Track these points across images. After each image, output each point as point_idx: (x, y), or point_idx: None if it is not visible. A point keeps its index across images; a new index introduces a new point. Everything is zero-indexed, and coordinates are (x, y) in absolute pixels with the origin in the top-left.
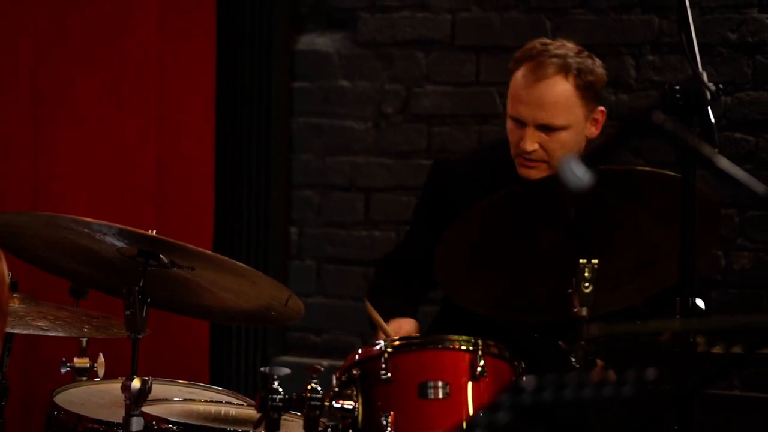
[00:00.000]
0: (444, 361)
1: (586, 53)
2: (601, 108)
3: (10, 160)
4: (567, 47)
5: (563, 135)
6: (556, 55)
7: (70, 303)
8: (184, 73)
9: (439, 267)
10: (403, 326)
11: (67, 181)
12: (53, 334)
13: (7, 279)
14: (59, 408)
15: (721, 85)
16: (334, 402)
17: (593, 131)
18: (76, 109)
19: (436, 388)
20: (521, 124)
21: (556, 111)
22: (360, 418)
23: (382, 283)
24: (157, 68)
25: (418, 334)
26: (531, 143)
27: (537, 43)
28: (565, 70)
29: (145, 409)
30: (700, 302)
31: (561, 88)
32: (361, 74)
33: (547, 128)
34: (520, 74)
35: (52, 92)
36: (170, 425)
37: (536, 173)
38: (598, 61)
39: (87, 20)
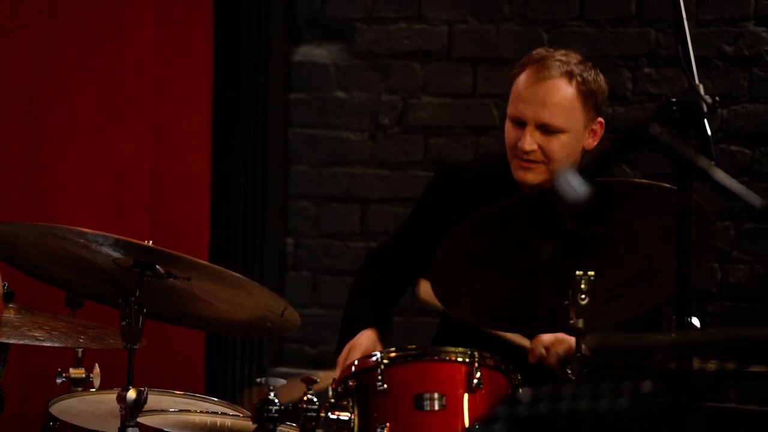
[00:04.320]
0: (440, 372)
1: (590, 64)
2: (600, 119)
3: (5, 171)
4: (571, 56)
5: (562, 138)
6: (560, 60)
7: (66, 313)
8: (181, 84)
9: (435, 278)
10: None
11: (63, 192)
12: (49, 345)
13: (3, 289)
14: (55, 418)
15: (717, 98)
16: (330, 413)
17: (591, 142)
18: (73, 121)
19: (432, 399)
20: (521, 124)
21: (557, 111)
22: (356, 429)
23: (363, 284)
24: (153, 79)
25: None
26: (530, 143)
27: (542, 50)
28: (569, 74)
29: (141, 419)
30: (695, 321)
31: (564, 90)
32: (358, 85)
33: (547, 129)
34: (523, 76)
35: (48, 103)
36: None
37: (533, 176)
38: (600, 75)
39: (83, 32)
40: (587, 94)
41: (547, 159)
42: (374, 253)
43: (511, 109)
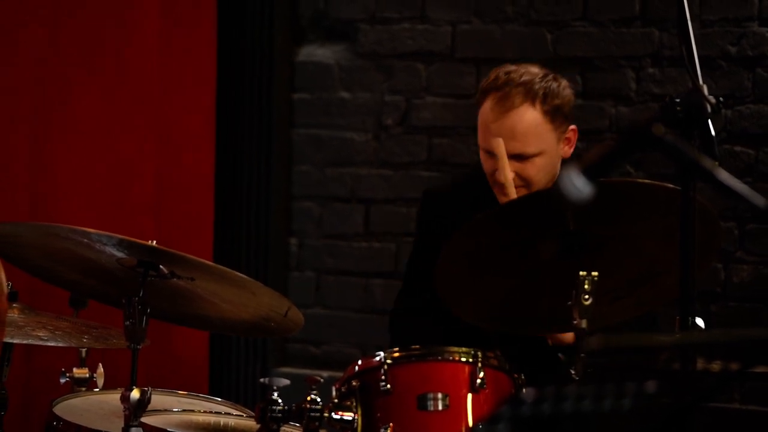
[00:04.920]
0: (444, 372)
1: (551, 76)
2: (572, 126)
3: (9, 171)
4: (531, 73)
5: (537, 161)
6: (521, 83)
7: (70, 313)
8: (185, 84)
9: (438, 279)
10: None
11: (67, 191)
12: (53, 344)
13: (6, 289)
14: (58, 418)
15: (721, 98)
16: (333, 413)
17: (567, 150)
18: (76, 120)
19: (435, 399)
20: (494, 155)
21: (527, 140)
22: (359, 429)
23: (410, 326)
24: (157, 79)
25: None
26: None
27: (501, 72)
28: (531, 97)
29: (144, 419)
30: (699, 321)
31: (529, 116)
32: (362, 86)
33: (521, 157)
34: (487, 106)
35: (51, 104)
36: None
37: None
38: (564, 82)
39: (87, 32)
40: (554, 112)
41: (527, 183)
42: (401, 305)
43: (481, 141)
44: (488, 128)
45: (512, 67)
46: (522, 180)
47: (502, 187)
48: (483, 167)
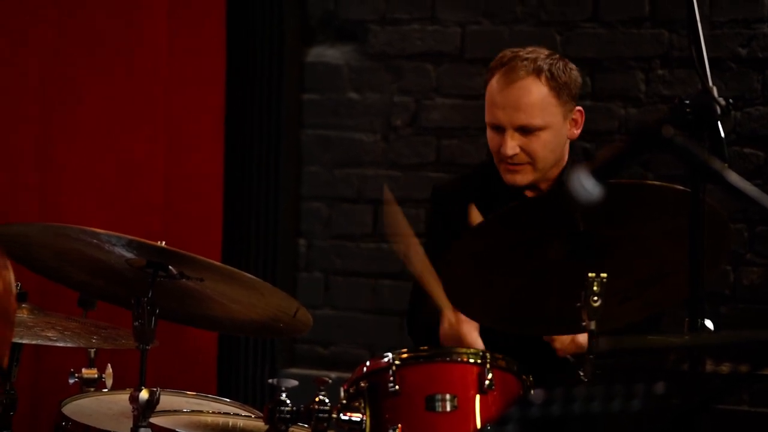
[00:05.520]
0: (452, 373)
1: (557, 56)
2: (579, 108)
3: (17, 171)
4: (538, 52)
5: (543, 135)
6: (527, 59)
7: (79, 313)
8: (194, 84)
9: (446, 279)
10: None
11: (75, 192)
12: (62, 345)
13: (15, 289)
14: (67, 419)
15: (731, 100)
16: (341, 414)
17: (574, 132)
18: (84, 121)
19: (443, 400)
20: (500, 129)
21: (533, 111)
22: (368, 430)
23: (421, 332)
24: (166, 79)
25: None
26: (512, 146)
27: (507, 51)
28: (537, 71)
29: (153, 420)
30: (708, 323)
31: (536, 89)
32: (371, 86)
33: (526, 130)
34: (494, 81)
35: (59, 105)
36: None
37: (521, 177)
38: (571, 64)
39: (95, 32)
40: (560, 87)
41: (532, 159)
42: (412, 317)
43: (488, 116)
44: (494, 100)
45: (519, 48)
46: (527, 155)
47: (508, 163)
48: (489, 144)
